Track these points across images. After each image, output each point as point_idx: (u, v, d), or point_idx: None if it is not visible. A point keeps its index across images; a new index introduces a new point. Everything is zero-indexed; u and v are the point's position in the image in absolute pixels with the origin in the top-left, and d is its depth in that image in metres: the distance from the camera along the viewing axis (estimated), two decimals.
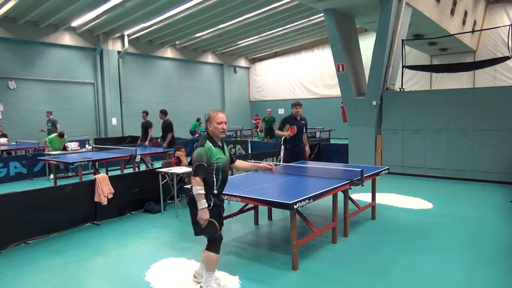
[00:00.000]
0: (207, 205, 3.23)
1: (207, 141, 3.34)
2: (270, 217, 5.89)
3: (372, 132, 9.82)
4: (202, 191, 3.22)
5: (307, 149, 7.05)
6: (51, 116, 13.02)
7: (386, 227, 5.46)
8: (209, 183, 3.30)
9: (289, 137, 6.63)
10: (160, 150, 10.02)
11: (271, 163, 4.08)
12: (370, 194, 5.94)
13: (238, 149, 13.48)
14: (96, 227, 5.75)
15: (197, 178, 3.23)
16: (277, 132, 6.97)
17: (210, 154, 3.29)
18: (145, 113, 10.93)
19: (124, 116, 17.77)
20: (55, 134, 10.60)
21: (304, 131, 6.93)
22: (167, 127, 10.25)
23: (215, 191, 3.36)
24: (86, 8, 13.37)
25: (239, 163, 3.90)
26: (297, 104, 6.85)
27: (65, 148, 10.40)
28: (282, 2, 14.00)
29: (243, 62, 24.58)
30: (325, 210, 5.03)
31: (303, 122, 6.88)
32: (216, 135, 3.39)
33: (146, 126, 10.84)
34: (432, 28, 12.12)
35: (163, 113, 10.35)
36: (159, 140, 10.89)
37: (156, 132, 11.35)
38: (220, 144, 3.43)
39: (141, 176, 6.93)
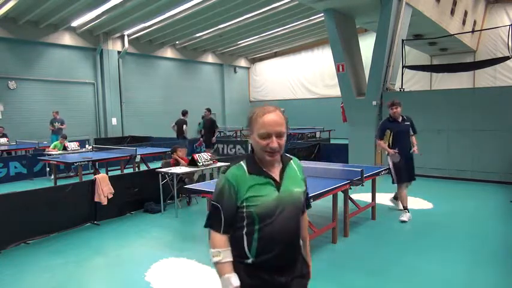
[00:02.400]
0: (236, 284, 1.69)
1: (242, 162, 1.79)
2: None
3: (371, 132, 9.80)
4: (220, 258, 1.72)
5: (417, 151, 5.82)
6: (58, 116, 13.14)
7: (387, 227, 5.46)
8: (237, 242, 1.75)
9: (392, 154, 5.59)
10: (161, 150, 10.10)
11: None
12: (370, 194, 5.94)
13: (238, 149, 13.48)
14: (96, 227, 5.75)
15: (212, 233, 1.77)
16: (379, 143, 5.80)
17: (236, 187, 1.72)
18: (209, 111, 11.32)
19: (124, 116, 17.76)
20: (59, 141, 10.66)
21: (412, 132, 5.82)
22: (213, 124, 11.08)
23: (249, 259, 1.73)
24: (86, 8, 13.37)
25: (305, 221, 2.03)
26: (392, 103, 5.62)
27: (65, 148, 10.41)
28: (282, 2, 14.00)
29: (243, 62, 24.58)
30: (325, 210, 5.03)
31: (407, 123, 5.71)
32: (259, 155, 1.76)
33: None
34: (432, 28, 12.11)
35: (209, 110, 11.20)
36: (201, 138, 11.44)
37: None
38: (268, 169, 1.77)
39: (141, 176, 6.93)
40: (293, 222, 1.78)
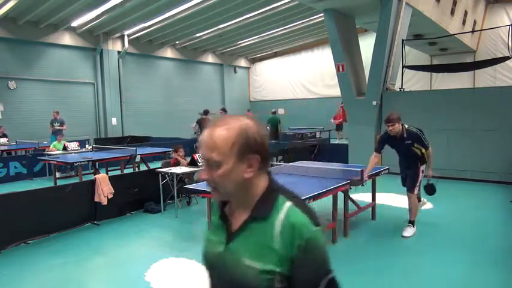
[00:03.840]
0: None
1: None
2: None
3: (372, 132, 9.81)
4: None
5: (430, 172, 5.21)
6: (59, 116, 13.15)
7: (386, 227, 5.45)
8: None
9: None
10: (161, 150, 10.09)
11: None
12: (370, 194, 5.94)
13: None
14: (96, 227, 5.75)
15: None
16: (372, 158, 5.22)
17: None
18: (224, 110, 11.77)
19: (124, 116, 17.74)
20: (57, 140, 10.66)
21: (420, 153, 5.00)
22: None
23: None
24: (86, 8, 13.36)
25: None
26: (387, 120, 4.85)
27: (65, 148, 10.41)
28: (282, 2, 13.99)
29: (243, 62, 24.57)
30: (325, 210, 5.03)
31: (408, 141, 4.89)
32: None
33: None
34: (432, 28, 12.11)
35: (225, 110, 11.43)
36: None
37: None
38: (236, 210, 1.15)
39: (141, 176, 6.94)
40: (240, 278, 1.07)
